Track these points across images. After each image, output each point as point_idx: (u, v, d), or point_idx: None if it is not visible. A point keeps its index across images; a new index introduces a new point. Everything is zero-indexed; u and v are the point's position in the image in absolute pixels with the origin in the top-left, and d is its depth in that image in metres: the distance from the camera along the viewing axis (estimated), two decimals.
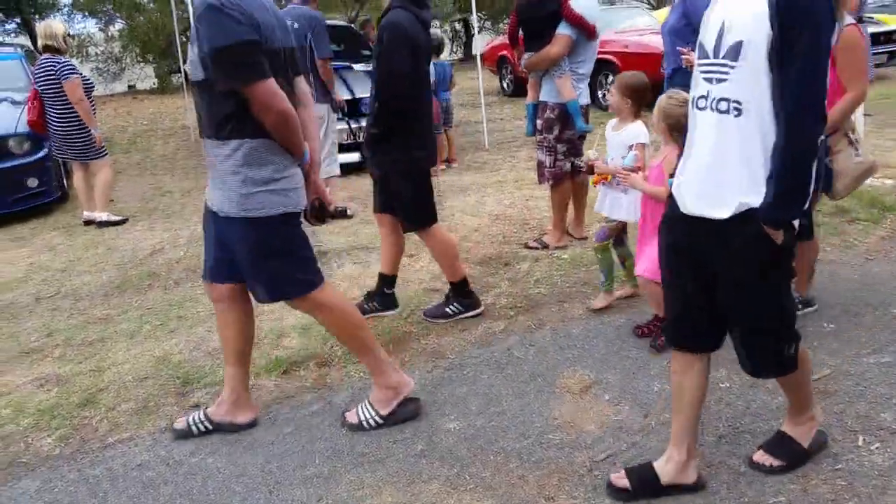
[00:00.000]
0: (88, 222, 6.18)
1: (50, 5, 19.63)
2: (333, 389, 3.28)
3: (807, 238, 3.41)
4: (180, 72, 13.45)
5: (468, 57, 19.51)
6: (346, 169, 6.56)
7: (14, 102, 6.86)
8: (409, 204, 3.70)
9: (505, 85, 12.96)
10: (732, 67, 1.95)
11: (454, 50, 20.82)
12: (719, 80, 1.99)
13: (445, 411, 3.02)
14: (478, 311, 3.90)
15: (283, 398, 3.24)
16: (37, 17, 19.62)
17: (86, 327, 4.14)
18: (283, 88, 2.49)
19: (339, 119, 5.94)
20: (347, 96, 7.22)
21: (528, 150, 7.48)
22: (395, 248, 3.92)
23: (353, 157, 6.87)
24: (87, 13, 17.75)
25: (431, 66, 7.11)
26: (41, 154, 6.48)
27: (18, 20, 19.45)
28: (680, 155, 2.92)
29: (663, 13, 14.13)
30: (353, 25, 10.87)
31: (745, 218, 1.99)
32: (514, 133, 9.04)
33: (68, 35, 5.89)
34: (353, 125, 7.07)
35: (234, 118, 2.49)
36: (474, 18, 9.63)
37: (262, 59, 2.39)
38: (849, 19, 3.08)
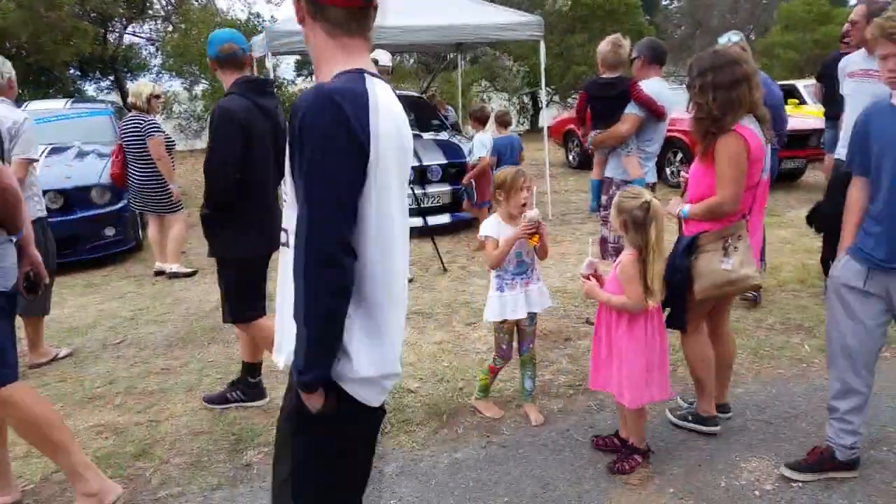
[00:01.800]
0: (159, 273, 6.37)
1: (141, 66, 20.90)
2: (384, 459, 3.21)
3: (681, 330, 3.22)
4: None
5: (535, 129, 19.74)
6: (409, 233, 6.61)
7: (100, 155, 7.23)
8: (226, 293, 3.54)
9: (571, 158, 13.03)
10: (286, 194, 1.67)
11: (521, 122, 21.13)
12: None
13: (498, 492, 2.92)
14: (260, 402, 3.77)
15: None
16: (129, 75, 20.92)
17: (147, 377, 4.21)
18: None
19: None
20: (415, 163, 7.35)
21: (592, 225, 7.42)
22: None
23: (417, 221, 6.93)
24: (174, 74, 18.77)
25: (486, 139, 7.25)
26: (120, 205, 6.76)
27: (112, 78, 20.73)
28: (639, 258, 2.85)
29: None
30: (423, 96, 11.16)
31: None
32: (577, 206, 9.01)
33: (154, 96, 6.19)
34: (418, 191, 7.17)
35: None
36: (542, 93, 9.77)
37: None
38: (745, 121, 2.91)
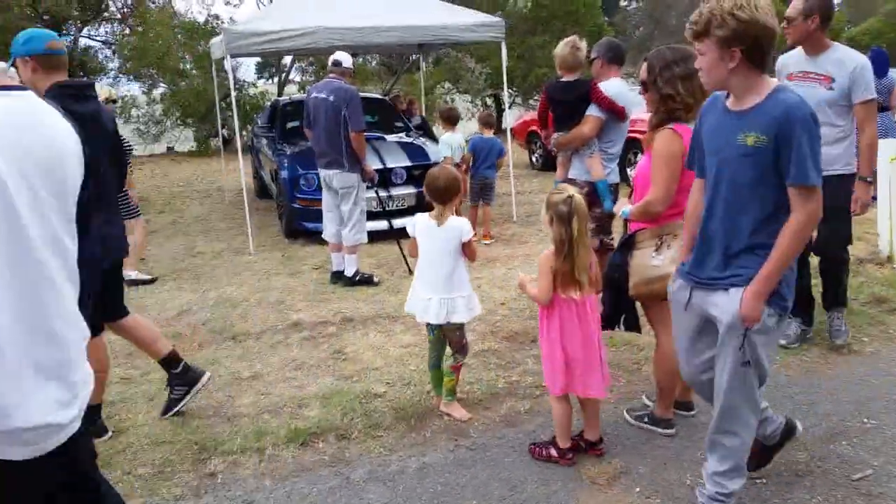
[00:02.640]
0: None
1: (98, 69, 20.45)
2: (351, 465, 3.19)
3: (635, 331, 3.36)
4: (218, 136, 13.81)
5: (498, 131, 19.83)
6: (374, 236, 6.59)
7: None
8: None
9: (534, 159, 13.11)
10: None
11: None
12: None
13: (466, 496, 2.92)
14: (204, 379, 3.76)
15: (300, 471, 3.16)
16: (85, 78, 20.45)
17: (107, 386, 4.11)
18: None
19: (367, 188, 6.01)
20: (379, 166, 7.33)
21: (525, 230, 7.48)
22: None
23: (381, 224, 6.91)
24: (131, 77, 18.43)
25: (454, 139, 7.27)
26: None
27: None
28: (560, 253, 2.91)
29: None
30: (386, 98, 11.13)
31: None
32: (541, 207, 9.03)
33: (111, 100, 6.06)
34: (382, 194, 7.14)
35: None
36: (505, 94, 9.80)
37: None
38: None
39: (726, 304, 2.40)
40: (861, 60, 3.91)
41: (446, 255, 3.44)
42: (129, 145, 6.41)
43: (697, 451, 3.17)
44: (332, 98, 5.65)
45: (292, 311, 5.31)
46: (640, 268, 3.07)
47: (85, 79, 20.26)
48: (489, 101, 21.37)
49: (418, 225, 3.53)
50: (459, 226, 3.46)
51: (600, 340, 3.06)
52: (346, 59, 5.82)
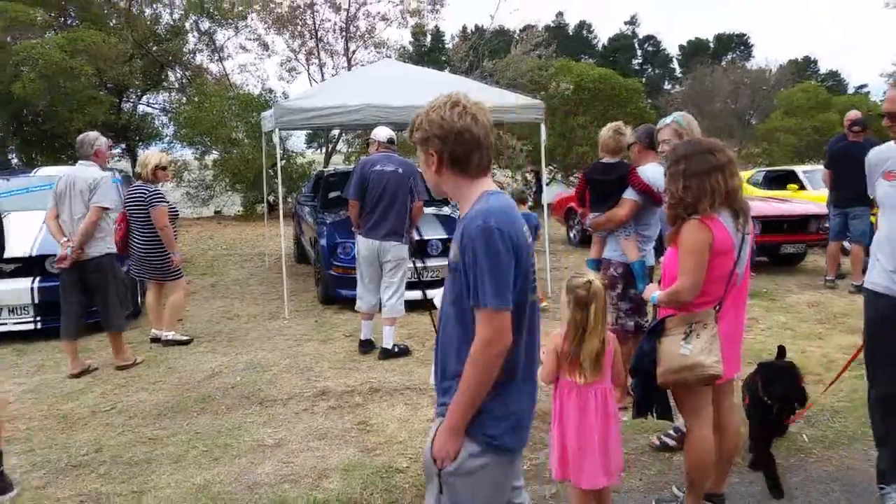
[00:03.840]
0: (155, 340, 6.35)
1: (154, 135, 21.38)
2: None
3: (667, 419, 3.25)
4: (264, 202, 14.18)
5: (537, 206, 19.98)
6: (408, 307, 6.62)
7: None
8: None
9: (572, 235, 13.14)
10: None
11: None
12: None
13: None
14: (11, 494, 3.55)
15: None
16: (141, 143, 21.36)
17: (134, 446, 4.15)
18: None
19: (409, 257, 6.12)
20: (416, 237, 7.44)
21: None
22: None
23: (416, 294, 6.95)
24: (185, 143, 19.18)
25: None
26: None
27: (124, 146, 21.19)
28: (574, 337, 2.89)
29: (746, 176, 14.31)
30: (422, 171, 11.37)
31: None
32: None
33: (161, 168, 6.30)
34: (418, 264, 7.21)
35: None
36: (544, 170, 9.94)
37: None
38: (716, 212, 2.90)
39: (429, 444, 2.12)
40: None
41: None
42: (175, 210, 6.65)
43: None
44: (400, 170, 5.85)
45: (321, 378, 5.32)
46: (668, 356, 3.02)
47: (140, 143, 21.22)
48: (529, 177, 21.66)
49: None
50: None
51: (608, 430, 2.98)
52: (392, 134, 6.05)
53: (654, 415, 3.31)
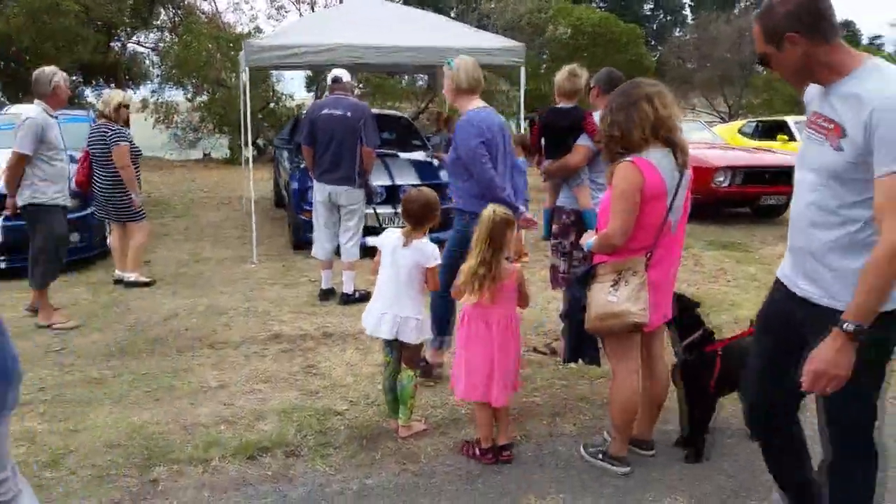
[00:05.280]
0: (118, 281, 6.34)
1: (143, 75, 21.08)
2: (293, 482, 3.15)
3: (595, 364, 3.31)
4: (246, 144, 14.03)
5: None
6: (368, 252, 6.59)
7: (73, 161, 7.22)
8: None
9: None
10: None
11: None
12: None
13: None
14: None
15: (241, 485, 3.13)
16: (131, 83, 21.07)
17: (77, 386, 4.16)
18: None
19: (366, 204, 6.02)
20: (387, 182, 7.36)
21: (544, 253, 7.36)
22: None
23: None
24: (174, 84, 18.92)
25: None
26: (86, 212, 6.75)
27: (113, 86, 20.90)
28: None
29: (729, 128, 14.08)
30: (405, 116, 11.21)
31: None
32: (531, 234, 8.81)
33: (123, 105, 6.19)
34: (389, 211, 7.15)
35: None
36: (522, 118, 9.78)
37: None
38: (651, 153, 2.86)
39: None
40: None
41: (405, 275, 3.42)
42: (138, 149, 6.55)
43: (647, 492, 3.07)
44: (349, 114, 5.69)
45: (276, 322, 5.32)
46: (595, 303, 2.99)
47: (129, 83, 20.92)
48: (524, 125, 21.41)
49: (386, 241, 3.53)
50: (424, 250, 3.43)
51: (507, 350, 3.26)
52: (345, 75, 5.87)
53: (584, 360, 3.30)
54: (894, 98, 1.92)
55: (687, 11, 65.70)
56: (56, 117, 5.23)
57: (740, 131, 13.32)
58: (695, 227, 8.60)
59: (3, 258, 6.51)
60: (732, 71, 28.37)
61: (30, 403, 3.93)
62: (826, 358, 2.01)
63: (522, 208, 4.27)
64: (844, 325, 1.98)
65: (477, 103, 4.12)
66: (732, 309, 5.61)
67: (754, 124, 13.65)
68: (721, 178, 9.06)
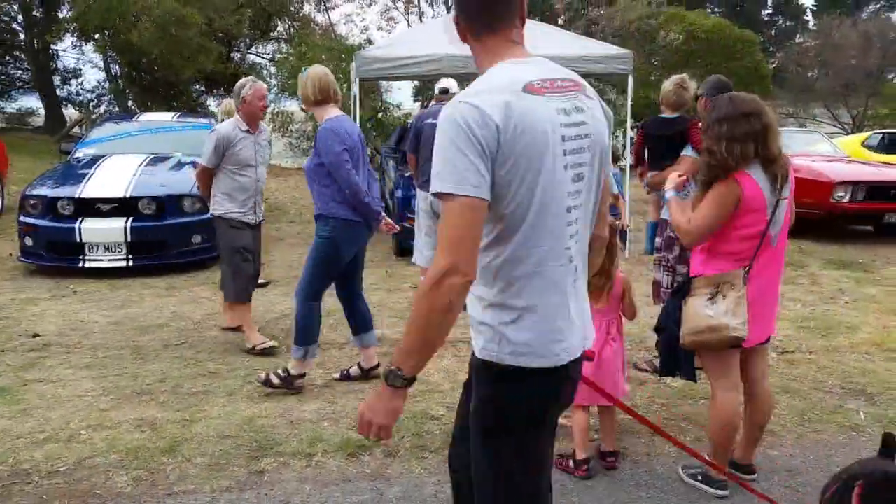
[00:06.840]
0: None
1: None
2: (390, 482, 3.26)
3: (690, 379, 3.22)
4: None
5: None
6: None
7: (195, 165, 7.71)
8: None
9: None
10: None
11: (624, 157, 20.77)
12: None
13: None
14: None
15: (341, 481, 3.27)
16: None
17: (195, 378, 4.45)
18: None
19: None
20: None
21: (647, 267, 7.17)
22: None
23: None
24: (289, 94, 19.74)
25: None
26: (208, 215, 7.16)
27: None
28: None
29: (851, 140, 13.30)
30: None
31: None
32: (634, 247, 8.62)
33: (228, 113, 6.55)
34: None
35: None
36: (628, 128, 9.61)
37: None
38: (751, 169, 2.81)
39: None
40: None
41: None
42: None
43: None
44: None
45: (379, 326, 5.46)
46: (692, 316, 2.93)
47: None
48: (631, 134, 21.01)
49: None
50: None
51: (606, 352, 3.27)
52: (453, 86, 5.99)
53: (680, 375, 3.24)
54: None
55: (808, 16, 62.34)
56: (250, 131, 4.94)
57: (864, 144, 12.55)
58: (812, 244, 8.23)
59: (130, 257, 7.02)
60: (857, 79, 26.74)
61: (151, 392, 4.24)
62: None
63: (383, 213, 4.41)
64: None
65: (333, 111, 4.15)
66: (850, 333, 5.31)
67: (880, 136, 12.83)
68: (841, 194, 8.57)
